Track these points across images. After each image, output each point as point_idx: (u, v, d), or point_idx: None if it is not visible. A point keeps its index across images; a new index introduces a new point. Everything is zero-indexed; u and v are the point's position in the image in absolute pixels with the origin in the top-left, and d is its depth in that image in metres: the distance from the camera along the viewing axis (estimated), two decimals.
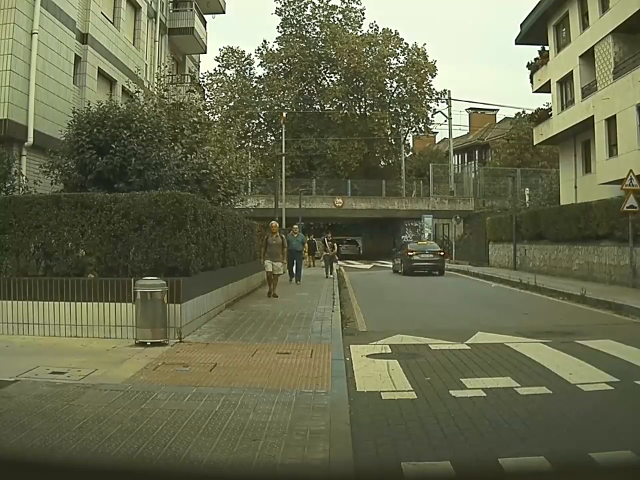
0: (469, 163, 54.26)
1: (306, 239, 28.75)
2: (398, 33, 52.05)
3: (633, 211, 16.36)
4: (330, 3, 53.01)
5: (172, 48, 25.99)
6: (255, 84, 53.96)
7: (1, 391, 5.85)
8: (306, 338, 9.24)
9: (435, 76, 51.53)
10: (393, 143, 52.39)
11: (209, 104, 26.01)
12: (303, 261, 22.95)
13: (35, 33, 14.10)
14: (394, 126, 52.41)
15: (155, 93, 16.75)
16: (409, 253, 26.68)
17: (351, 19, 53.46)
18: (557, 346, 8.57)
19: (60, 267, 9.45)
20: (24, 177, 13.07)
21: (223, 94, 51.87)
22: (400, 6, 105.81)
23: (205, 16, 28.19)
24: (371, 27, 53.20)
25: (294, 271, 19.65)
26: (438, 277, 25.92)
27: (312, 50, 52.55)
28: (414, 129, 53.84)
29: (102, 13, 18.20)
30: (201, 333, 9.64)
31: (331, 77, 54.64)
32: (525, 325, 10.98)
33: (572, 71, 25.82)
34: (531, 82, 31.14)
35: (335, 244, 25.75)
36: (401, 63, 52.01)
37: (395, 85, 52.98)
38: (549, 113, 29.46)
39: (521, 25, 30.27)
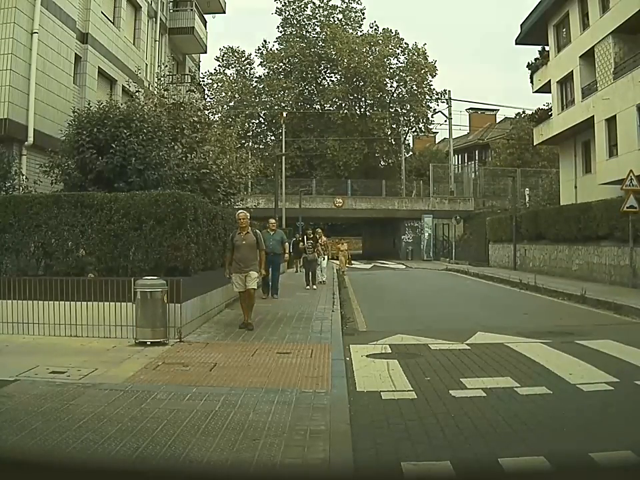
0: (469, 162, 54.29)
1: (295, 239, 23.43)
2: (398, 33, 52.26)
3: (633, 211, 16.36)
4: (330, 3, 53.16)
5: (172, 48, 25.99)
6: (255, 84, 54.04)
7: (0, 390, 5.85)
8: (306, 338, 9.23)
9: (435, 76, 51.70)
10: (393, 143, 52.43)
11: (209, 104, 25.94)
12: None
13: (35, 33, 14.11)
14: (394, 126, 52.48)
15: (155, 92, 16.74)
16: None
17: (351, 19, 53.51)
18: (557, 346, 8.57)
19: (60, 266, 9.44)
20: (24, 177, 13.06)
21: (223, 94, 51.92)
22: (400, 6, 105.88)
23: (205, 16, 28.19)
24: (371, 27, 53.41)
25: (269, 282, 14.44)
26: (438, 277, 25.93)
27: (312, 50, 52.59)
28: (414, 128, 53.94)
29: (102, 12, 18.20)
30: (201, 332, 9.63)
31: (331, 76, 54.79)
32: (525, 325, 10.97)
33: (572, 71, 25.82)
34: (531, 82, 31.14)
35: (326, 243, 20.42)
36: (401, 62, 52.17)
37: (395, 84, 53.15)
38: (549, 113, 29.46)
39: (521, 25, 30.29)
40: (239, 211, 10.78)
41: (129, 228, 9.29)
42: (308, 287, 17.29)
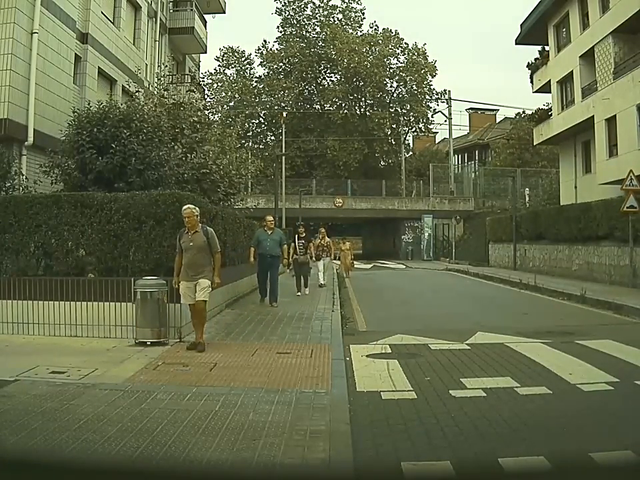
0: (469, 162, 54.30)
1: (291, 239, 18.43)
2: (398, 33, 52.25)
3: (633, 211, 16.36)
4: (330, 3, 53.12)
5: (172, 48, 25.99)
6: (255, 84, 54.01)
7: (0, 390, 5.85)
8: (306, 338, 9.23)
9: (435, 76, 51.69)
10: (393, 142, 52.41)
11: (209, 104, 25.94)
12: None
13: (35, 33, 14.11)
14: (394, 126, 52.46)
15: (155, 92, 16.74)
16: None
17: (351, 19, 53.48)
18: (557, 346, 8.57)
19: (60, 266, 9.45)
20: (24, 177, 13.07)
21: (223, 94, 51.93)
22: (400, 6, 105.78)
23: (205, 16, 28.20)
24: (371, 27, 53.40)
25: (267, 286, 13.27)
26: (438, 277, 25.95)
27: (312, 50, 52.58)
28: (414, 128, 53.92)
29: (102, 12, 18.20)
30: None
31: (331, 76, 54.75)
32: (525, 325, 10.97)
33: (572, 71, 25.83)
34: (531, 82, 31.15)
35: (328, 244, 18.90)
36: (401, 62, 52.15)
37: (395, 84, 53.14)
38: (549, 113, 29.46)
39: (521, 25, 30.29)
40: (185, 206, 8.39)
41: (128, 228, 9.29)
42: (299, 294, 15.19)
